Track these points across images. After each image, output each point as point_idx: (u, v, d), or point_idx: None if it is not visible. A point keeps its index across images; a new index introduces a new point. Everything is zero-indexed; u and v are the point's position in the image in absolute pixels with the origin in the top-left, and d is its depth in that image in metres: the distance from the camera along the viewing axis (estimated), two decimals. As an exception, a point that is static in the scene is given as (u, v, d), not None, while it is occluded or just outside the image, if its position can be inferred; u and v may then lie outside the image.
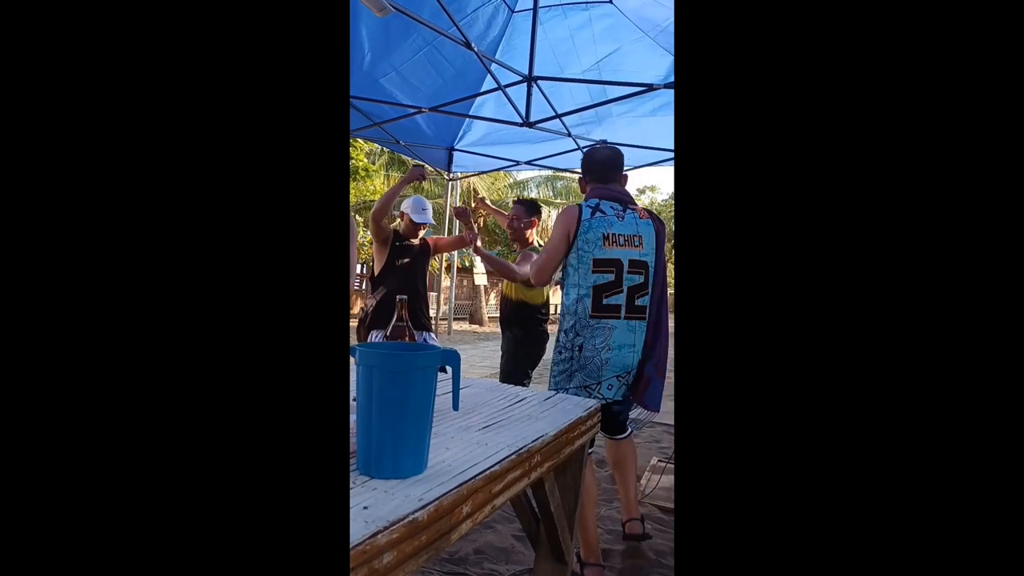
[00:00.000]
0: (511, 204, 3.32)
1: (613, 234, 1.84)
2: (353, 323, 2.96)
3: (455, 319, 13.30)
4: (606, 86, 3.39)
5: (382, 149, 12.73)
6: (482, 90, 3.65)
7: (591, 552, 1.90)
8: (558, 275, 2.03)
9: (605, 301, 1.84)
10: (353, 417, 0.85)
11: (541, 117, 3.41)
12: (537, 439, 1.06)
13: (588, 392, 1.84)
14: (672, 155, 4.13)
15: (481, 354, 8.36)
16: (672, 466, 2.89)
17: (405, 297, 1.20)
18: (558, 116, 3.51)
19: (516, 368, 2.94)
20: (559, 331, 1.92)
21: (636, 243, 1.87)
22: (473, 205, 3.14)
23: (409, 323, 1.16)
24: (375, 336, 2.80)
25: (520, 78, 3.17)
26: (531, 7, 3.00)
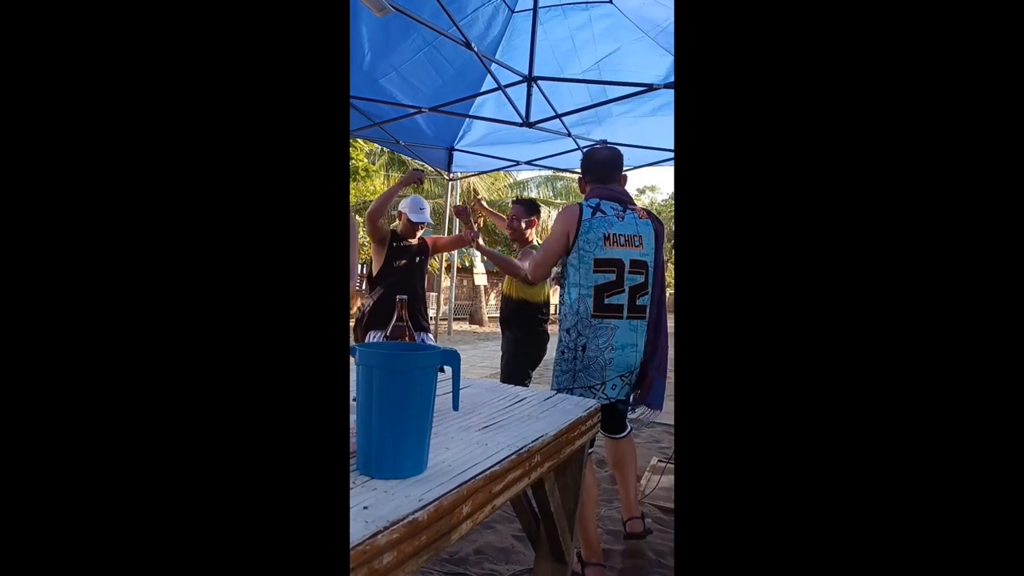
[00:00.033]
0: (511, 204, 3.32)
1: (614, 234, 1.84)
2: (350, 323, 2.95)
3: (455, 319, 13.31)
4: (606, 86, 3.39)
5: (382, 149, 12.74)
6: (482, 90, 3.65)
7: (592, 552, 1.91)
8: (558, 270, 2.04)
9: (607, 301, 1.84)
10: (353, 417, 0.85)
11: (541, 117, 3.41)
12: (537, 439, 1.06)
13: (592, 392, 1.85)
14: (672, 155, 4.13)
15: (481, 354, 8.36)
16: (672, 466, 2.90)
17: (405, 297, 1.20)
18: (558, 116, 3.51)
19: (516, 368, 2.94)
20: (560, 330, 1.92)
21: (636, 243, 1.88)
22: (472, 205, 3.14)
23: (409, 323, 1.16)
24: (373, 337, 2.80)
25: (520, 78, 3.17)
26: (531, 7, 3.00)
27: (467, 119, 4.17)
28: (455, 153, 4.70)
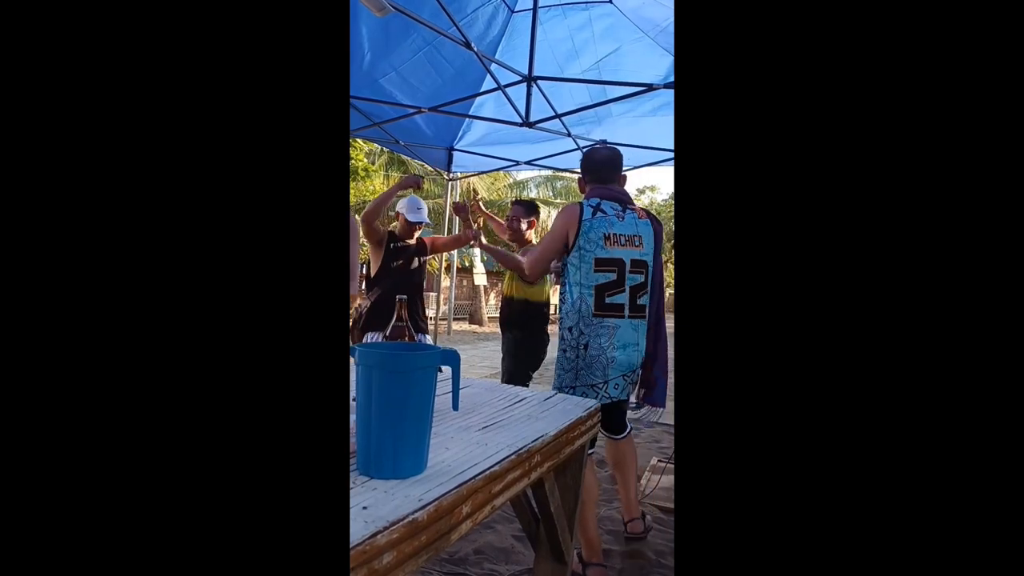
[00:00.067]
0: (510, 204, 3.33)
1: (614, 234, 1.85)
2: (347, 324, 2.94)
3: (455, 319, 13.31)
4: (606, 86, 3.39)
5: (382, 149, 12.74)
6: (482, 90, 3.65)
7: (593, 552, 1.91)
8: (558, 264, 2.04)
9: (608, 300, 1.85)
10: (352, 417, 0.85)
11: (541, 117, 3.41)
12: (537, 439, 1.06)
13: (595, 391, 1.85)
14: (672, 155, 4.13)
15: (481, 354, 8.36)
16: (672, 466, 2.90)
17: (405, 297, 1.20)
18: (558, 116, 3.51)
19: (517, 369, 2.92)
20: (562, 329, 1.92)
21: (637, 243, 1.89)
22: (472, 205, 3.13)
23: (409, 323, 1.16)
24: (371, 338, 2.79)
25: (520, 78, 3.17)
26: (531, 7, 3.00)
27: (467, 119, 4.17)
28: (455, 153, 4.70)
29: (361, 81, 3.28)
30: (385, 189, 4.20)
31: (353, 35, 2.93)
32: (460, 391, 0.97)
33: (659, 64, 3.30)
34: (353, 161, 11.43)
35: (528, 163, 4.90)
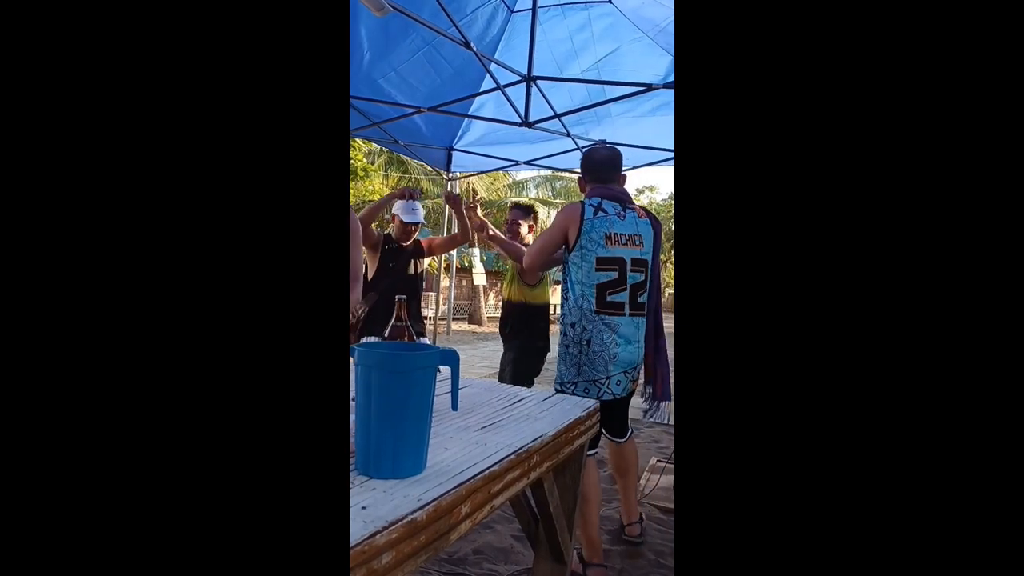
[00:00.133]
0: (509, 203, 3.34)
1: (615, 233, 1.86)
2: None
3: (454, 319, 13.31)
4: (605, 86, 3.39)
5: (381, 149, 12.74)
6: (481, 90, 3.65)
7: (594, 552, 1.91)
8: (559, 275, 2.06)
9: (609, 298, 1.87)
10: (352, 417, 0.85)
11: (540, 117, 3.41)
12: (536, 439, 1.06)
13: (597, 386, 1.86)
14: (671, 155, 4.13)
15: (480, 354, 8.36)
16: (672, 466, 2.90)
17: (404, 297, 1.20)
18: (557, 116, 3.51)
19: (517, 379, 2.91)
20: (564, 325, 1.93)
21: (637, 242, 1.90)
22: (471, 204, 3.13)
23: (408, 323, 1.16)
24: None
25: (519, 78, 3.17)
26: (530, 7, 3.00)
27: (466, 119, 4.17)
28: (454, 153, 4.70)
29: (360, 81, 3.28)
30: (385, 188, 4.21)
31: (352, 35, 2.93)
32: (459, 391, 0.96)
33: (658, 64, 3.30)
34: (352, 161, 11.43)
35: (527, 163, 4.90)
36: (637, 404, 2.05)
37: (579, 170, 2.09)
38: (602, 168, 1.98)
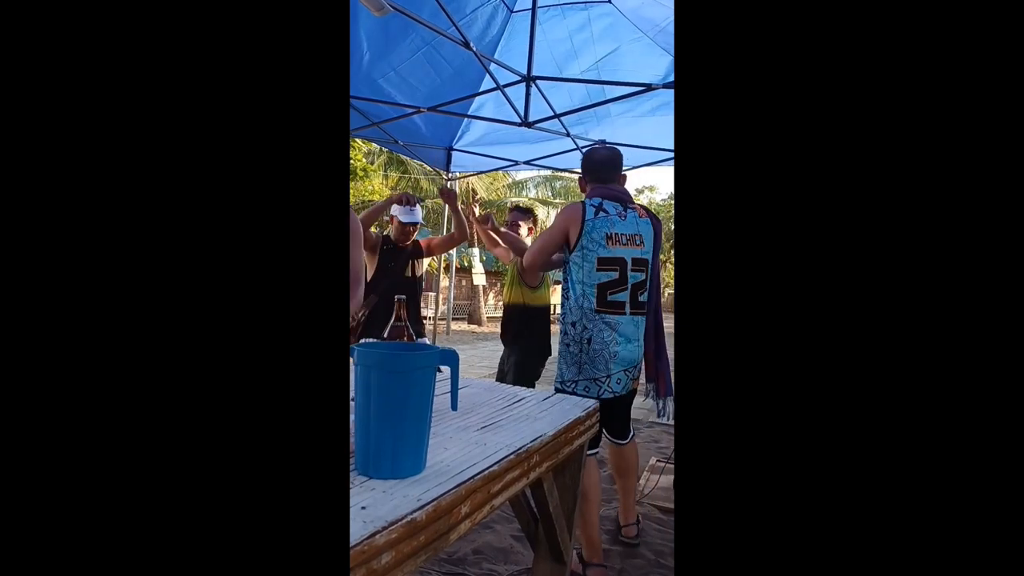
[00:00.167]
0: (509, 206, 3.35)
1: (616, 233, 1.87)
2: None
3: (454, 319, 13.31)
4: (605, 86, 3.39)
5: (380, 149, 12.74)
6: (481, 90, 3.65)
7: (594, 552, 1.91)
8: (559, 275, 2.06)
9: (610, 298, 1.87)
10: (351, 417, 0.84)
11: (540, 117, 3.41)
12: (536, 439, 1.06)
13: (598, 385, 1.87)
14: (671, 155, 4.13)
15: (480, 354, 8.35)
16: (671, 466, 2.90)
17: (404, 297, 1.20)
18: (557, 116, 3.51)
19: (519, 380, 2.90)
20: (564, 324, 1.94)
21: (638, 242, 1.91)
22: (467, 207, 3.15)
23: (408, 323, 1.16)
24: None
25: (519, 78, 3.17)
26: (530, 7, 3.00)
27: (466, 119, 4.17)
28: (454, 153, 4.70)
29: (360, 81, 3.28)
30: (384, 188, 4.21)
31: (352, 35, 2.93)
32: (459, 391, 0.96)
33: (658, 64, 3.30)
34: (352, 161, 11.43)
35: (527, 163, 4.90)
36: (639, 404, 2.05)
37: (579, 170, 2.09)
38: (602, 168, 1.98)
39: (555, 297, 4.35)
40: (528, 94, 3.21)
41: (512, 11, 3.34)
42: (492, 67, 3.15)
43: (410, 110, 3.66)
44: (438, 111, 3.68)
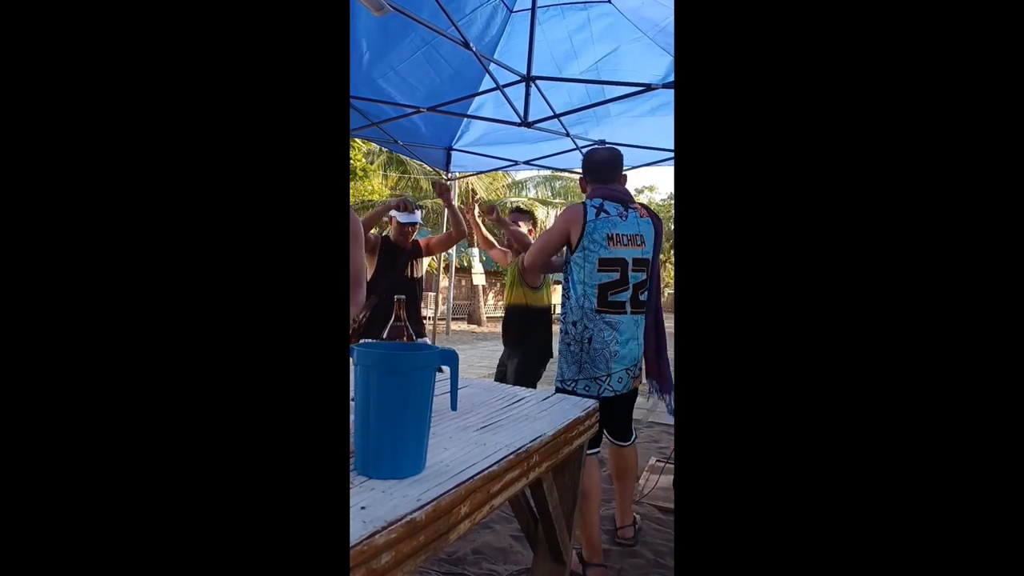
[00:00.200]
0: (509, 207, 3.37)
1: (617, 234, 1.87)
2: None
3: (453, 319, 13.30)
4: (604, 86, 3.39)
5: (380, 149, 12.73)
6: (480, 90, 3.64)
7: (594, 552, 1.91)
8: (559, 275, 2.07)
9: (611, 298, 1.88)
10: (351, 417, 0.84)
11: (539, 117, 3.41)
12: (535, 439, 1.06)
13: (598, 384, 1.87)
14: (671, 155, 4.13)
15: (479, 354, 8.35)
16: (671, 466, 2.90)
17: (403, 297, 1.20)
18: (556, 116, 3.51)
19: (520, 382, 2.90)
20: (565, 324, 1.94)
21: (639, 242, 1.91)
22: (466, 208, 3.15)
23: (407, 323, 1.16)
24: None
25: (518, 78, 3.17)
26: (529, 7, 3.00)
27: (465, 119, 4.17)
28: (453, 153, 4.70)
29: (359, 81, 3.27)
30: (384, 188, 4.22)
31: (352, 35, 2.92)
32: (459, 391, 0.96)
33: (658, 64, 3.30)
34: (351, 161, 11.43)
35: (527, 163, 4.90)
36: (639, 404, 2.05)
37: (579, 170, 2.10)
38: (603, 168, 1.99)
39: (556, 297, 4.35)
40: (528, 94, 3.21)
41: (512, 11, 3.34)
42: (492, 67, 3.15)
43: (410, 110, 3.66)
44: (438, 111, 3.67)
